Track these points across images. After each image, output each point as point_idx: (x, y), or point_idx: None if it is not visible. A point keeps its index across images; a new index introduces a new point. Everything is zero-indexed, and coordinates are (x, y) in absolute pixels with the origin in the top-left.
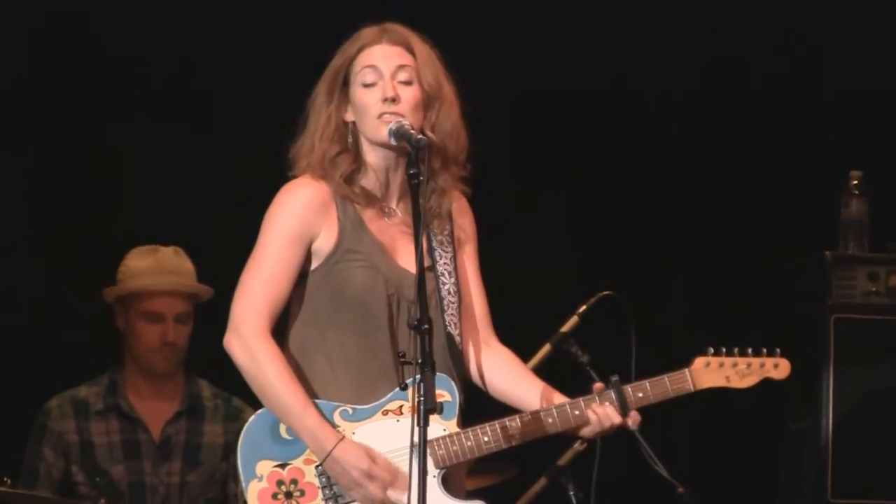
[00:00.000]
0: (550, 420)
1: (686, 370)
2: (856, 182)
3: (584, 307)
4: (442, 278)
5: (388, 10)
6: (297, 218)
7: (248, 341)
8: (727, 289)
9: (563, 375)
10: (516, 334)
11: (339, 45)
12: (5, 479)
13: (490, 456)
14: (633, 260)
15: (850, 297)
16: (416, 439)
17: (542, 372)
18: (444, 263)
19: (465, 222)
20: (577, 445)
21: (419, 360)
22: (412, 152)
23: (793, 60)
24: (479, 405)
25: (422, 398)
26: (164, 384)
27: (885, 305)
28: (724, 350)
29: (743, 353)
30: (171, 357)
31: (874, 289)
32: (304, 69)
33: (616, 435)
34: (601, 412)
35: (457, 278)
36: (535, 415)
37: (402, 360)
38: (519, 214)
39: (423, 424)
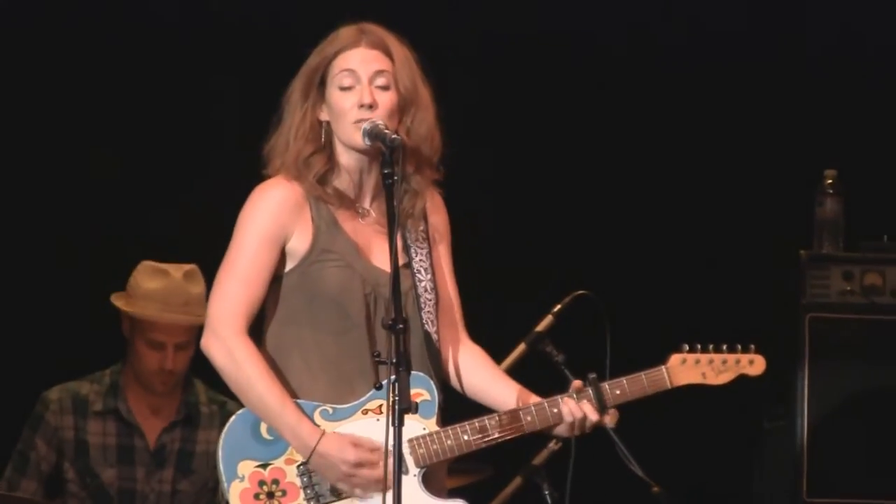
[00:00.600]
0: (529, 418)
1: (663, 367)
2: (830, 181)
3: (558, 306)
4: (418, 275)
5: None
6: (271, 219)
7: (227, 342)
8: (702, 288)
9: (539, 375)
10: (491, 333)
11: (315, 43)
12: None
13: (465, 456)
14: (607, 258)
15: (825, 297)
16: (391, 439)
17: (517, 371)
18: (420, 260)
19: (438, 220)
20: (552, 445)
21: (393, 360)
22: (386, 152)
23: (767, 59)
24: (460, 405)
25: (396, 398)
26: (161, 400)
27: (859, 304)
28: (699, 347)
29: (718, 350)
30: (168, 381)
31: (849, 288)
32: (277, 67)
33: (591, 434)
34: (577, 410)
35: (433, 275)
36: (514, 413)
37: (378, 359)
38: (493, 212)
39: (398, 424)
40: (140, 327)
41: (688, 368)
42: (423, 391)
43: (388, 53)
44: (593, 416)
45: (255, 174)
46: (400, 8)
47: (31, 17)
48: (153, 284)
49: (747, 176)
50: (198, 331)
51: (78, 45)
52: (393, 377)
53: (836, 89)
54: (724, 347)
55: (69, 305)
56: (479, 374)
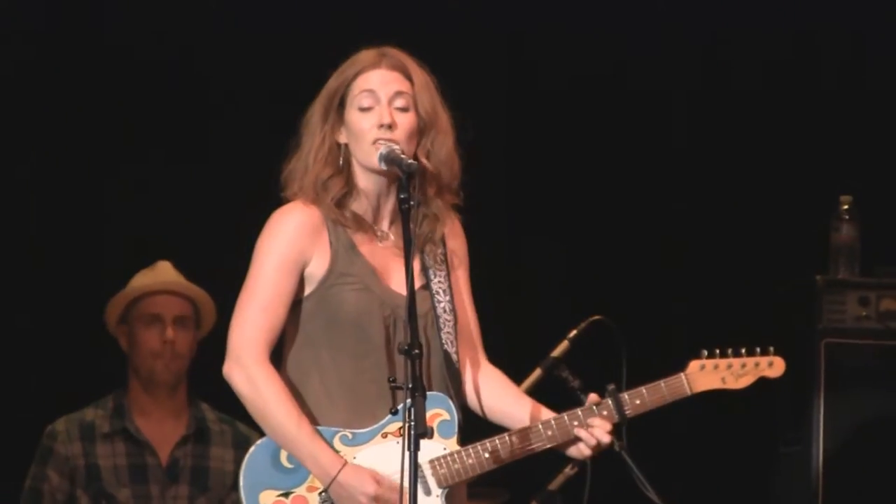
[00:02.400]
0: (550, 432)
1: (682, 374)
2: (846, 207)
3: (574, 332)
4: (437, 297)
5: (386, 34)
6: (290, 244)
7: (249, 369)
8: (718, 313)
9: (554, 401)
10: (507, 358)
11: (336, 64)
12: None
13: (481, 479)
14: (623, 283)
15: (841, 322)
16: (406, 464)
17: (532, 397)
18: (439, 282)
19: (457, 245)
20: (568, 469)
21: (409, 385)
22: (403, 177)
23: (783, 83)
24: (476, 425)
25: (412, 423)
26: (166, 399)
27: (875, 330)
28: (717, 352)
29: (737, 354)
30: (171, 363)
31: (864, 313)
32: (299, 86)
33: (606, 459)
34: (590, 432)
35: (452, 297)
36: (534, 428)
37: (393, 384)
38: (510, 236)
39: (414, 449)
40: (135, 311)
41: (707, 374)
42: (442, 411)
43: (408, 76)
44: (605, 438)
45: (253, 198)
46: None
47: (30, 21)
48: (143, 275)
49: (763, 200)
50: (196, 313)
51: (72, 61)
52: (409, 401)
53: (852, 114)
54: (743, 351)
55: (64, 337)
56: (498, 394)
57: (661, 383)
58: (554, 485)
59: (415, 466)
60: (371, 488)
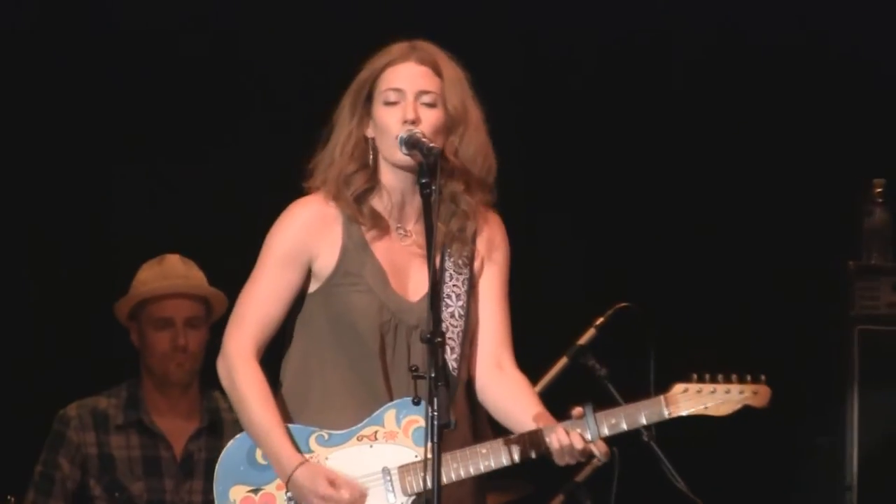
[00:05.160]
0: (521, 447)
1: (661, 397)
2: (879, 190)
3: (601, 319)
4: (447, 300)
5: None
6: (294, 238)
7: (230, 362)
8: (749, 299)
9: (582, 389)
10: (532, 347)
11: (363, 56)
12: (9, 497)
13: (504, 471)
14: (650, 269)
15: (874, 309)
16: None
17: (558, 385)
18: (454, 286)
19: (495, 246)
20: (596, 461)
21: (432, 374)
22: (423, 161)
23: (814, 66)
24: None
25: (435, 413)
26: (180, 398)
27: None
28: (707, 376)
29: (726, 380)
30: (184, 364)
31: None
32: (324, 78)
33: (635, 450)
34: (564, 438)
35: (466, 302)
36: (508, 440)
37: (415, 374)
38: (532, 221)
39: (438, 440)
40: (146, 313)
41: (689, 398)
42: (417, 417)
43: (438, 71)
44: (579, 444)
45: (272, 190)
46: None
47: (26, 19)
48: (151, 270)
49: (793, 184)
50: (207, 309)
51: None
52: (398, 401)
53: (885, 96)
54: (734, 377)
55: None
56: (507, 401)
57: (640, 405)
58: (581, 476)
59: (438, 457)
60: (322, 489)
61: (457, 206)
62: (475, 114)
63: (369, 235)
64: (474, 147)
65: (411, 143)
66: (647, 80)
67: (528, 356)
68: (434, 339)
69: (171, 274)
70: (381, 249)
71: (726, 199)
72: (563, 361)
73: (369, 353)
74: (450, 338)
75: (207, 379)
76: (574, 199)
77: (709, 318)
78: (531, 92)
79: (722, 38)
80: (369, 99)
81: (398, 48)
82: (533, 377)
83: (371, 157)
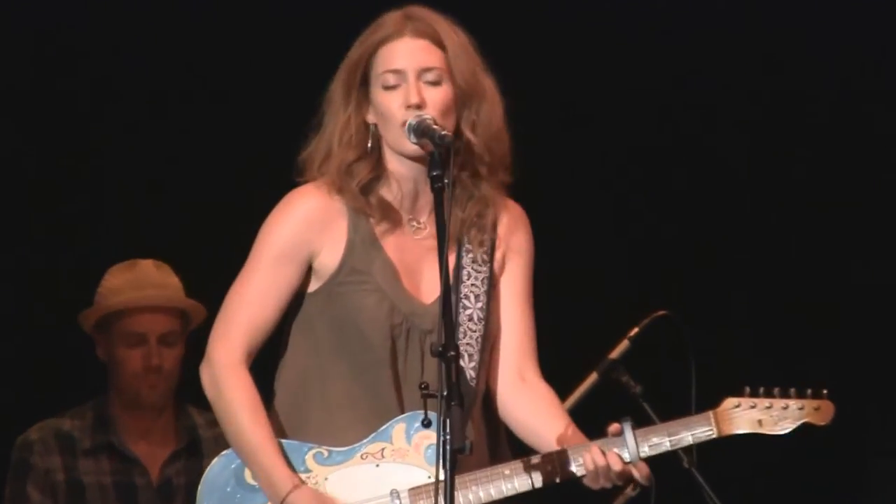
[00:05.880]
0: (549, 468)
1: (710, 412)
2: None
3: (636, 330)
4: (465, 302)
5: None
6: (292, 233)
7: (216, 369)
8: (798, 305)
9: (613, 409)
10: (557, 361)
11: (353, 31)
12: None
13: (525, 497)
14: (693, 274)
15: None
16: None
17: (586, 406)
18: (472, 285)
19: (518, 238)
20: (629, 490)
21: (444, 393)
22: (435, 151)
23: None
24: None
25: (447, 437)
26: (153, 420)
27: None
28: (761, 390)
29: (784, 394)
30: (157, 385)
31: None
32: (306, 62)
33: (673, 476)
34: (600, 459)
35: (486, 303)
36: (533, 462)
37: (425, 392)
38: (561, 218)
39: (451, 467)
40: (116, 326)
41: (741, 414)
42: (432, 433)
43: (439, 42)
44: (617, 465)
45: (257, 184)
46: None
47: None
48: (121, 277)
49: (837, 184)
50: (184, 323)
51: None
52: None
53: None
54: (792, 391)
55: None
56: (531, 416)
57: (685, 422)
58: None
59: (451, 485)
60: None
61: (476, 189)
62: (488, 83)
63: (379, 229)
64: (493, 121)
65: (421, 131)
66: (689, 88)
67: (553, 372)
68: (447, 353)
69: (144, 283)
70: (392, 244)
71: (775, 200)
72: (592, 377)
73: (378, 361)
74: (468, 344)
75: (179, 393)
76: (608, 193)
77: (758, 328)
78: (562, 82)
79: (755, 49)
80: (365, 81)
81: (390, 20)
82: (559, 396)
83: (372, 143)
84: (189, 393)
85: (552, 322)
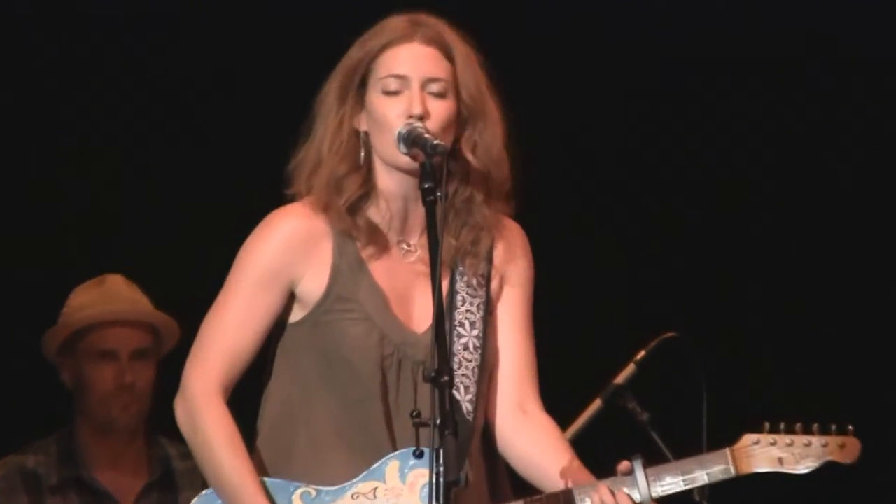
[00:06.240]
0: None
1: (727, 450)
2: None
3: (642, 353)
4: (459, 329)
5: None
6: (272, 257)
7: (192, 403)
8: (823, 330)
9: (619, 438)
10: (559, 386)
11: (355, 33)
12: None
13: None
14: (703, 294)
15: None
16: None
17: (590, 435)
18: (467, 311)
19: (516, 260)
20: None
21: (438, 421)
22: (427, 162)
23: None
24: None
25: (441, 468)
26: (125, 447)
27: None
28: (781, 425)
29: (806, 430)
30: (130, 406)
31: None
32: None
33: None
34: (609, 500)
35: (483, 330)
36: (539, 498)
37: (417, 420)
38: (563, 239)
39: (445, 501)
40: (84, 344)
41: (760, 452)
42: (427, 471)
43: (448, 52)
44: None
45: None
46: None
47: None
48: (88, 293)
49: (853, 203)
50: (156, 340)
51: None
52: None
53: None
54: (815, 427)
55: None
56: (532, 451)
57: (700, 459)
58: None
59: None
60: None
61: (469, 216)
62: (493, 105)
63: (366, 253)
64: (494, 143)
65: (412, 140)
66: (690, 106)
67: (554, 398)
68: (440, 378)
69: (113, 297)
70: (381, 269)
71: (789, 218)
72: (596, 404)
73: (368, 395)
74: (463, 374)
75: (150, 421)
76: (612, 214)
77: (774, 352)
78: (566, 103)
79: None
80: (363, 84)
81: (398, 24)
82: (559, 424)
83: (363, 155)
84: (158, 424)
85: (553, 344)
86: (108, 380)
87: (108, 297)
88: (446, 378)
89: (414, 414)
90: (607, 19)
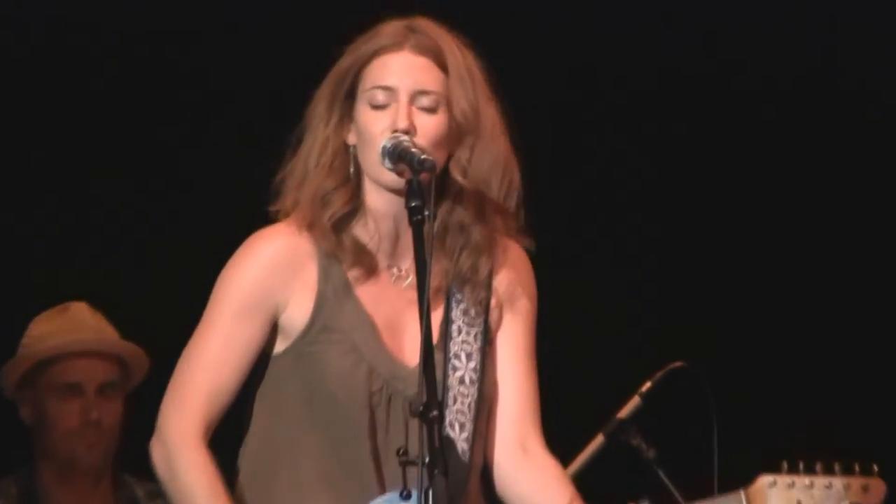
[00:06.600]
0: None
1: (741, 491)
2: None
3: (648, 384)
4: (455, 362)
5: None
6: (254, 283)
7: (169, 447)
8: (841, 355)
9: (623, 477)
10: (558, 421)
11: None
12: None
13: None
14: (713, 321)
15: None
16: None
17: (592, 473)
18: (464, 342)
19: (518, 286)
20: None
21: (426, 459)
22: (414, 179)
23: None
24: None
25: None
26: (91, 490)
27: None
28: (800, 465)
29: (828, 470)
30: (96, 444)
31: None
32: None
33: None
34: None
35: (481, 362)
36: None
37: (404, 459)
38: (564, 265)
39: None
40: (47, 377)
41: (778, 494)
42: None
43: (442, 63)
44: None
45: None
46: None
47: None
48: (51, 322)
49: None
50: (123, 373)
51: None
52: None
53: None
54: (836, 467)
55: None
56: (533, 494)
57: (712, 502)
58: None
59: None
60: None
61: (467, 238)
62: (490, 117)
63: (353, 275)
64: (489, 161)
65: (397, 155)
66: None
67: (552, 433)
68: (428, 413)
69: (78, 326)
70: (370, 296)
71: (798, 241)
72: (598, 441)
73: (355, 434)
74: (459, 410)
75: (117, 461)
76: (617, 239)
77: (792, 384)
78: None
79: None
80: (352, 95)
81: (391, 30)
82: (560, 461)
83: (352, 170)
84: (125, 461)
85: (550, 374)
86: (72, 416)
87: (73, 325)
88: (435, 413)
89: (401, 452)
90: (607, 20)
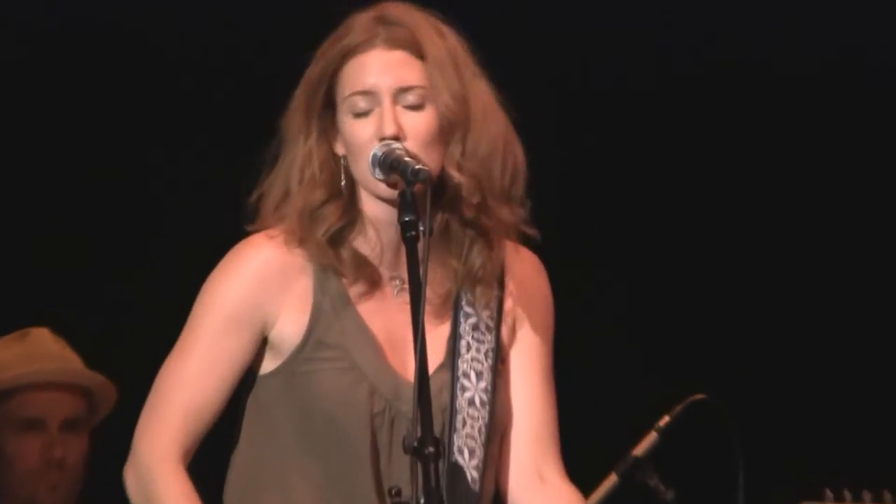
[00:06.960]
0: None
1: None
2: None
3: (666, 419)
4: (464, 381)
5: None
6: (241, 294)
7: (145, 471)
8: (879, 377)
9: None
10: (565, 457)
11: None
12: None
13: None
14: (737, 352)
15: None
16: None
17: None
18: (473, 359)
19: (533, 297)
20: None
21: (420, 500)
22: (407, 191)
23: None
24: None
25: None
26: None
27: None
28: (846, 494)
29: (877, 499)
30: (59, 485)
31: None
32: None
33: None
34: None
35: (492, 382)
36: None
37: (397, 500)
38: (578, 288)
39: None
40: (6, 411)
41: None
42: None
43: (419, 52)
44: None
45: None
46: None
47: None
48: (9, 350)
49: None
50: (89, 407)
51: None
52: None
53: None
54: (866, 495)
55: None
56: None
57: None
58: None
59: None
60: None
61: (474, 232)
62: (480, 97)
63: (353, 291)
64: (485, 147)
65: (388, 165)
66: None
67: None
68: (424, 450)
69: (40, 355)
70: (371, 310)
71: (820, 267)
72: (611, 480)
73: (354, 459)
74: (468, 435)
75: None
76: (635, 261)
77: (824, 417)
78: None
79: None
80: (330, 104)
81: (359, 25)
82: None
83: (343, 181)
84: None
85: (561, 407)
86: (33, 453)
87: (34, 354)
88: (431, 449)
89: (393, 492)
90: (608, 20)
